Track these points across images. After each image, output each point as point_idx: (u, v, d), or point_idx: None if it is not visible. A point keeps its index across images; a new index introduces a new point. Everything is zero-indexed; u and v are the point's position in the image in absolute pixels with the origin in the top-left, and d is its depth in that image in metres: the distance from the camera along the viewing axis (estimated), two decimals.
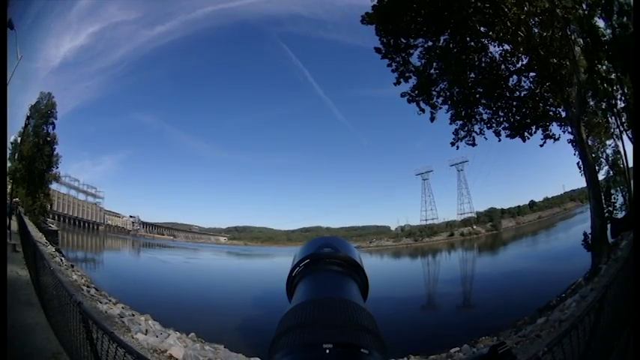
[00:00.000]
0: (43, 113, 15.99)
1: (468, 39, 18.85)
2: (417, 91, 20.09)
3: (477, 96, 19.71)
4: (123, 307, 13.47)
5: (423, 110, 20.29)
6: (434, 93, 20.04)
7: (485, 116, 19.57)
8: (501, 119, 19.24)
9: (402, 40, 19.50)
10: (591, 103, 15.71)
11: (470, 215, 29.44)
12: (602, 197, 14.46)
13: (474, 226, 28.50)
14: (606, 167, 15.60)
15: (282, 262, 25.99)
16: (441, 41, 19.29)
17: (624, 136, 14.18)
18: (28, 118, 15.40)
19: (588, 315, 7.04)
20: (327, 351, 0.85)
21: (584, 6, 14.12)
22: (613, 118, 14.67)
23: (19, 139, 15.05)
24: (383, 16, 18.86)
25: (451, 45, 19.24)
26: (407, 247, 31.65)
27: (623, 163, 14.61)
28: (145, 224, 25.79)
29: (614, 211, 14.36)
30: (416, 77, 20.00)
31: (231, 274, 27.27)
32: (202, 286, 21.47)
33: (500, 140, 19.54)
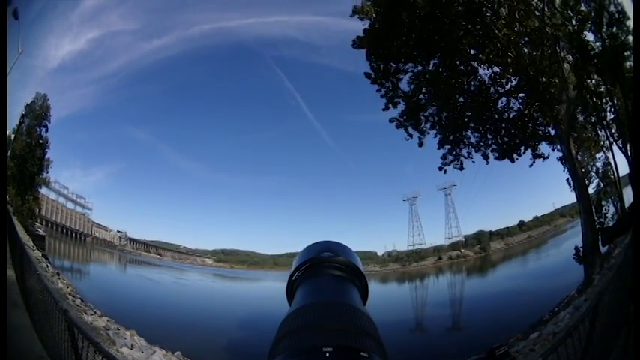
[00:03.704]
0: (37, 114, 15.80)
1: (457, 62, 19.21)
2: (405, 117, 20.27)
3: (466, 120, 20.00)
4: (108, 320, 13.19)
5: (411, 136, 20.42)
6: (422, 118, 20.26)
7: (473, 140, 19.81)
8: (490, 142, 19.48)
9: (392, 64, 19.79)
10: (580, 118, 16.09)
11: (458, 239, 29.43)
12: (593, 210, 14.64)
13: (462, 250, 28.45)
14: (596, 180, 15.85)
15: (268, 285, 25.69)
16: (431, 65, 19.62)
17: (614, 147, 14.53)
18: (23, 116, 15.33)
19: (583, 322, 7.03)
20: (327, 354, 0.86)
21: (573, 21, 14.63)
22: (602, 130, 15.03)
23: (12, 137, 14.92)
24: (374, 40, 19.18)
25: (441, 69, 19.59)
26: (394, 272, 31.33)
27: (613, 174, 14.88)
28: (132, 240, 25.34)
29: (606, 222, 14.54)
30: (404, 102, 20.24)
31: (218, 295, 26.69)
32: (189, 306, 20.93)
33: (488, 163, 19.70)
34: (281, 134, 29.03)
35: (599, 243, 13.59)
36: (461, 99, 20.01)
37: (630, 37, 12.33)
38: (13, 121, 15.26)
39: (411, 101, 20.07)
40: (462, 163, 20.15)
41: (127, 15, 23.29)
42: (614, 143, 14.36)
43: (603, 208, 14.85)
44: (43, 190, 17.15)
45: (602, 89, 14.41)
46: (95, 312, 13.35)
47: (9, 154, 14.32)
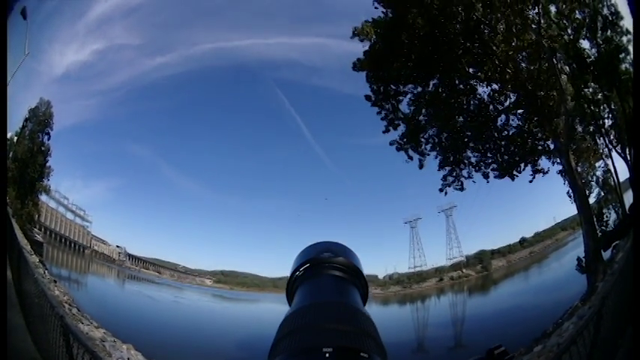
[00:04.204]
0: (40, 120, 15.86)
1: (456, 82, 19.37)
2: (405, 139, 20.30)
3: (466, 140, 20.04)
4: (105, 332, 13.04)
5: (411, 158, 20.33)
6: (422, 140, 20.29)
7: (473, 160, 19.81)
8: (490, 161, 19.48)
9: (392, 86, 19.92)
10: (579, 129, 16.19)
11: (459, 259, 29.08)
12: (595, 219, 14.60)
13: (464, 270, 28.12)
14: (597, 190, 15.86)
15: (267, 307, 25.36)
16: (430, 86, 19.75)
17: (613, 153, 14.61)
18: (26, 120, 15.36)
19: (587, 327, 6.95)
20: (327, 355, 0.87)
21: (569, 31, 14.89)
22: (601, 138, 15.11)
23: (15, 139, 14.94)
24: (374, 62, 19.37)
25: (440, 89, 19.73)
26: (395, 295, 30.94)
27: (613, 181, 14.90)
28: (131, 256, 25.11)
29: (607, 229, 14.47)
30: (405, 125, 20.31)
31: (217, 316, 26.33)
32: (188, 324, 20.65)
33: (488, 182, 19.63)
34: (281, 156, 28.99)
35: (601, 250, 13.50)
36: (460, 119, 20.10)
37: (625, 38, 12.61)
38: (16, 123, 15.37)
39: (411, 123, 20.12)
40: (462, 184, 20.08)
41: (132, 29, 23.45)
42: (614, 149, 14.48)
43: (604, 216, 14.83)
44: (43, 197, 17.12)
45: (599, 96, 14.58)
46: (91, 323, 13.21)
47: (10, 156, 14.35)
